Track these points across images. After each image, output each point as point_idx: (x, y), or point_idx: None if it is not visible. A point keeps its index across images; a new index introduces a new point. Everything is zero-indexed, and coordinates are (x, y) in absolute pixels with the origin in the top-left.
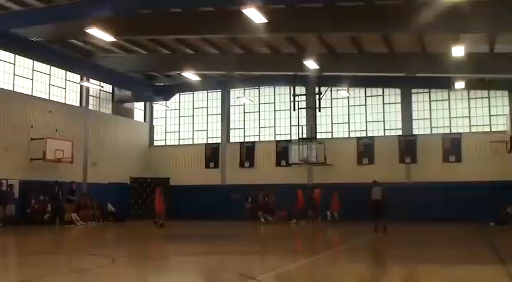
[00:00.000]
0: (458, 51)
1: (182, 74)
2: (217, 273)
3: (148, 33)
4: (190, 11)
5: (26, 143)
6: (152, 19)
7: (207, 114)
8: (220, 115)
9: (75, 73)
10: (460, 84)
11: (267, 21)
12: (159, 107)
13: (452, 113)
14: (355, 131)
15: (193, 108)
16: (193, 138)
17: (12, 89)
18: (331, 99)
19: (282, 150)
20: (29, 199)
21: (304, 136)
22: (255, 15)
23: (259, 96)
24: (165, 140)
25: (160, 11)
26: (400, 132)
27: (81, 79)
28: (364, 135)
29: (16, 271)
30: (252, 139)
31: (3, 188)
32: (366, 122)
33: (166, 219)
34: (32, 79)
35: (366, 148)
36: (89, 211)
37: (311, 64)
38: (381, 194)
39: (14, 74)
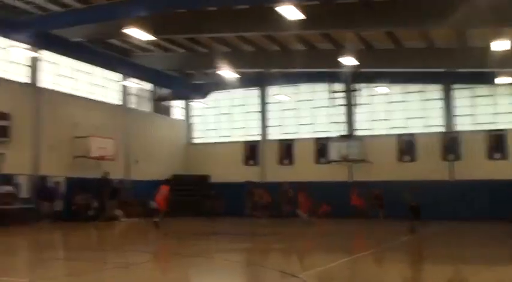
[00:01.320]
0: (501, 45)
1: (219, 72)
2: (258, 270)
3: (185, 32)
4: (226, 9)
5: (70, 141)
6: (188, 18)
7: (245, 112)
8: (258, 112)
9: (115, 72)
10: (504, 79)
11: (303, 18)
12: (197, 104)
13: (496, 108)
14: (394, 127)
15: (231, 106)
16: (231, 136)
17: (56, 89)
18: (370, 95)
19: (321, 147)
20: (74, 196)
21: (343, 133)
22: (291, 11)
23: (296, 93)
24: (204, 137)
25: (197, 9)
26: (441, 129)
27: (122, 78)
28: (404, 132)
29: (64, 265)
30: (290, 136)
31: (49, 185)
32: (406, 118)
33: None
34: (75, 78)
35: (406, 145)
36: (132, 208)
37: (348, 60)
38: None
39: (58, 74)
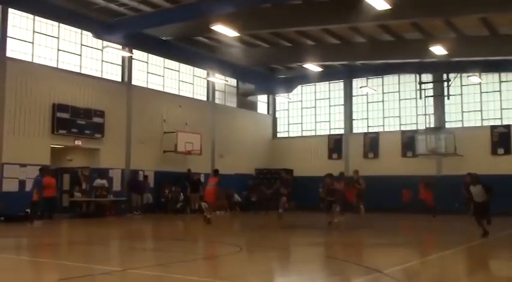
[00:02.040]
0: None
1: (304, 65)
2: (342, 265)
3: (269, 27)
4: (310, 2)
5: (159, 136)
6: (273, 12)
7: (329, 105)
8: (342, 106)
9: (201, 69)
10: None
11: (390, 8)
12: (281, 99)
13: None
14: (488, 119)
15: (315, 100)
16: (315, 130)
17: (146, 86)
18: (461, 86)
19: (408, 140)
20: (162, 189)
21: (432, 125)
22: (377, 1)
23: (382, 85)
24: (288, 131)
25: (281, 4)
26: None
27: (208, 74)
28: (499, 123)
29: (153, 256)
30: (375, 129)
31: (140, 178)
32: (501, 109)
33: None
34: (164, 76)
35: (501, 137)
36: (217, 201)
37: (438, 50)
38: (484, 194)
39: (148, 72)
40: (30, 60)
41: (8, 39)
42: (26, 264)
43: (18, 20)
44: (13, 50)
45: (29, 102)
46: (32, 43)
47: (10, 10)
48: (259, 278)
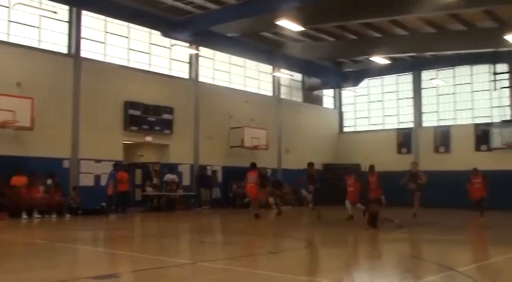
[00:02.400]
0: None
1: (370, 58)
2: (413, 261)
3: (335, 20)
4: None
5: (226, 131)
6: (338, 5)
7: (397, 99)
8: (411, 99)
9: (267, 64)
10: None
11: None
12: (348, 93)
13: None
14: None
15: (382, 93)
16: (383, 124)
17: (212, 82)
18: None
19: (481, 134)
20: (230, 184)
21: (508, 118)
22: None
23: (453, 76)
24: (355, 126)
25: None
26: None
27: (273, 69)
28: None
29: (222, 249)
30: (446, 123)
31: (208, 174)
32: None
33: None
34: (230, 72)
35: None
36: (284, 196)
37: None
38: None
39: (214, 69)
40: (102, 59)
41: (82, 40)
42: (102, 256)
43: (91, 21)
44: (87, 50)
45: (102, 100)
46: (104, 43)
47: (83, 12)
48: (327, 274)
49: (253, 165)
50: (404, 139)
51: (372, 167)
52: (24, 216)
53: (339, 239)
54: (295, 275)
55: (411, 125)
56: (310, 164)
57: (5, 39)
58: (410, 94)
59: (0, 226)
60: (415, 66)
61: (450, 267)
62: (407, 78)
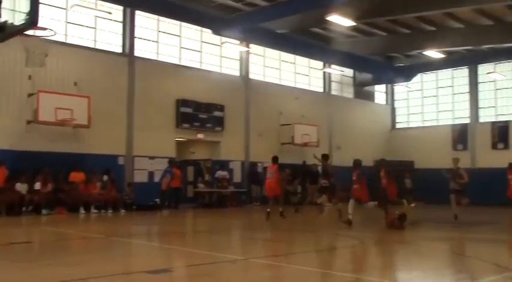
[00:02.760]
0: None
1: (424, 52)
2: (468, 261)
3: (387, 14)
4: None
5: (277, 128)
6: None
7: (453, 93)
8: (467, 93)
9: (317, 60)
10: None
11: None
12: (400, 88)
13: None
14: None
15: (437, 88)
16: (437, 119)
17: (263, 79)
18: None
19: None
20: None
21: None
22: None
23: None
24: (408, 122)
25: None
26: None
27: (324, 65)
28: None
29: (273, 246)
30: (505, 118)
31: (259, 170)
32: None
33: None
34: (280, 69)
35: None
36: (334, 193)
37: None
38: None
39: (264, 65)
40: (155, 58)
41: (135, 39)
42: (156, 250)
43: (144, 21)
44: (140, 49)
45: (155, 98)
46: (157, 42)
47: (137, 12)
48: (379, 272)
49: (275, 159)
50: (460, 135)
51: (379, 163)
52: (82, 211)
53: (392, 237)
54: (344, 273)
55: (467, 120)
56: (325, 156)
57: (62, 40)
58: (466, 89)
59: (60, 220)
60: (471, 60)
61: (508, 267)
62: (463, 73)
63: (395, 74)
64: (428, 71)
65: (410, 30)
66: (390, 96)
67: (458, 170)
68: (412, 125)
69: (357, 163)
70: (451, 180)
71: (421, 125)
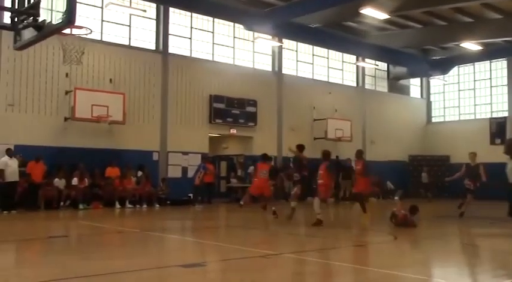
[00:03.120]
0: None
1: (461, 44)
2: (508, 258)
3: (422, 6)
4: None
5: (310, 123)
6: None
7: (491, 86)
8: (506, 86)
9: (351, 54)
10: None
11: None
12: (436, 81)
13: None
14: None
15: (474, 81)
16: (475, 113)
17: (296, 74)
18: None
19: None
20: (313, 176)
21: None
22: None
23: None
24: (444, 116)
25: None
26: None
27: (357, 59)
28: None
29: (306, 241)
30: None
31: (291, 165)
32: None
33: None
34: (313, 63)
35: None
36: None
37: None
38: None
39: (297, 60)
40: (188, 54)
41: (169, 36)
42: (189, 245)
43: (177, 17)
44: (174, 46)
45: (189, 95)
46: (190, 39)
47: (170, 9)
48: (415, 268)
49: (265, 157)
50: (499, 129)
51: (359, 153)
52: (117, 205)
53: (427, 232)
54: (380, 269)
55: (506, 113)
56: (300, 147)
57: (98, 38)
58: (505, 81)
59: (96, 215)
60: (510, 52)
61: None
62: (501, 65)
63: (431, 67)
64: (465, 63)
65: (446, 22)
66: (426, 89)
67: (478, 166)
68: (448, 118)
69: (326, 154)
70: (466, 178)
71: (458, 118)
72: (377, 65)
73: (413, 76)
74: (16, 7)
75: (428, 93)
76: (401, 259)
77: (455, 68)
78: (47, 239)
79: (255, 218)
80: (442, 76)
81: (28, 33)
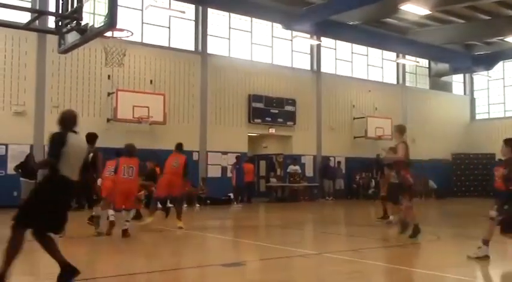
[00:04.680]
0: None
1: (506, 39)
2: None
3: (465, 1)
4: None
5: (349, 122)
6: None
7: None
8: None
9: (391, 51)
10: None
11: None
12: (480, 77)
13: None
14: None
15: None
16: None
17: (334, 73)
18: None
19: None
20: (353, 175)
21: None
22: None
23: None
24: (489, 112)
25: None
26: None
27: (397, 56)
28: None
29: (346, 241)
30: None
31: (331, 164)
32: None
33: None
34: (352, 61)
35: None
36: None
37: None
38: None
39: (336, 59)
40: (227, 55)
41: (208, 37)
42: (229, 244)
43: (216, 18)
44: (212, 46)
45: (228, 94)
46: (229, 39)
47: (209, 10)
48: (457, 270)
49: (179, 146)
50: None
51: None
52: (158, 205)
53: (470, 232)
54: (419, 269)
55: None
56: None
57: (139, 40)
58: None
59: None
60: None
61: None
62: None
63: (474, 63)
64: (510, 58)
65: (490, 16)
66: (469, 86)
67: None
68: (492, 115)
69: None
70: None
71: (503, 115)
72: (417, 62)
73: (456, 72)
74: (60, 12)
75: (472, 90)
76: (443, 260)
77: (500, 64)
78: (89, 238)
79: (295, 218)
80: (486, 72)
81: (71, 37)
